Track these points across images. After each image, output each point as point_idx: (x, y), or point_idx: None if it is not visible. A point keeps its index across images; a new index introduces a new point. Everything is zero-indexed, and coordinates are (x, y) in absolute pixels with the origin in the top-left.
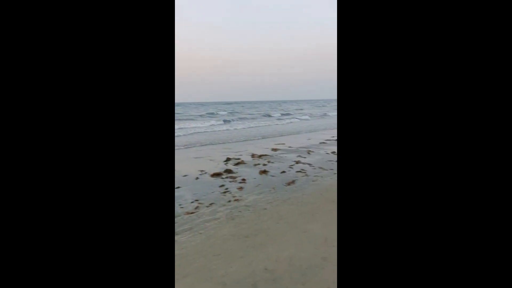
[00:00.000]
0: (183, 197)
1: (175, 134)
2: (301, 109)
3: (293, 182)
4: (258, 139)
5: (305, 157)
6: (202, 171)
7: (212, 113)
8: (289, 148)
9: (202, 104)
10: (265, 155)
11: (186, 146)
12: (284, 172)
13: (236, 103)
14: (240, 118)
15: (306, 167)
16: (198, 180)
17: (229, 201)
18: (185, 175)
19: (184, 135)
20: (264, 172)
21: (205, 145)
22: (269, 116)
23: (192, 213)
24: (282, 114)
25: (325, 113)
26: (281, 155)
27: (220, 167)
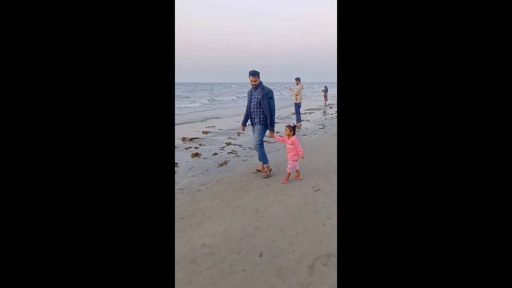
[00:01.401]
0: None
1: None
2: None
3: (225, 163)
4: (189, 122)
5: (235, 139)
6: None
7: None
8: (220, 131)
9: None
10: (196, 138)
11: None
12: (216, 154)
13: None
14: None
15: (236, 148)
16: None
17: None
18: None
19: None
20: (196, 155)
21: None
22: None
23: None
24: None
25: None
26: (212, 137)
27: None
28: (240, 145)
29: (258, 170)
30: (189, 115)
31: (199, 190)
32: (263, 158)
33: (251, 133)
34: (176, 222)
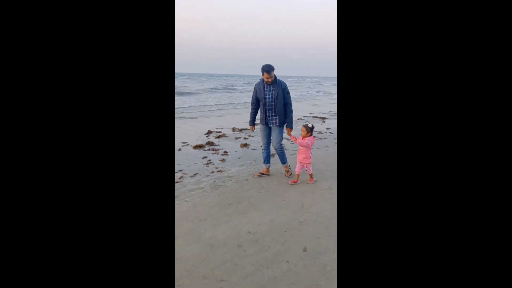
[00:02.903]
0: None
1: None
2: None
3: (272, 155)
4: (236, 114)
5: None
6: (184, 142)
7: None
8: None
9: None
10: (246, 129)
11: None
12: None
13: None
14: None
15: (284, 141)
16: (180, 151)
17: (212, 172)
18: None
19: None
20: (245, 145)
21: (183, 118)
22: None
23: (177, 182)
24: None
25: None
26: None
27: (202, 140)
28: (287, 139)
29: (262, 174)
30: (235, 109)
31: (247, 180)
32: (284, 158)
33: (298, 127)
34: (224, 207)
